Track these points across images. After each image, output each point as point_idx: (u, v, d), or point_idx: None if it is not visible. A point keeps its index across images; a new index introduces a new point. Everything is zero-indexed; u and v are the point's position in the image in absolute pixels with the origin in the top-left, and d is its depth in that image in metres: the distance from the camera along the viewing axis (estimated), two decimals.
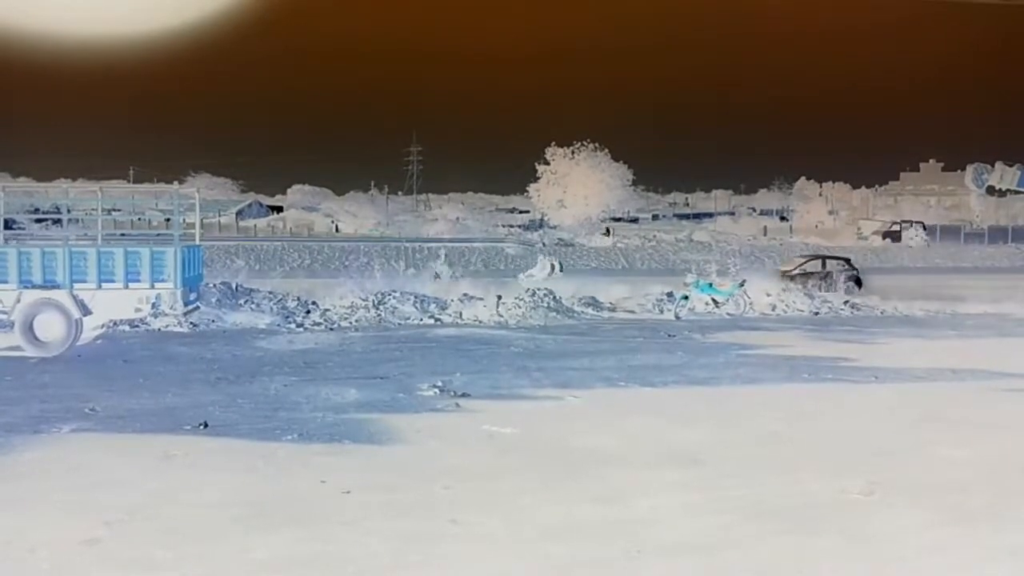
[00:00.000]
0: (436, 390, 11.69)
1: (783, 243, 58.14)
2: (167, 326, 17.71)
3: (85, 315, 15.22)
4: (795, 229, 72.49)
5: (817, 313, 22.66)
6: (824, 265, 29.25)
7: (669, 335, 18.21)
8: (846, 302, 23.92)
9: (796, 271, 29.29)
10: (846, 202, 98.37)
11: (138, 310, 15.73)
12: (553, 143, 61.98)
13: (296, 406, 10.81)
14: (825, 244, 56.70)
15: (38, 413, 10.33)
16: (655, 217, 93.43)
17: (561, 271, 33.11)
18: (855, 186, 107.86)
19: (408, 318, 20.21)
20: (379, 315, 20.25)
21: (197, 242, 18.00)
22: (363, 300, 21.04)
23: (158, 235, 26.05)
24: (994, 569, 6.11)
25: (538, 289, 22.72)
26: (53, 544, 6.23)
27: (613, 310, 22.62)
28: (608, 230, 60.05)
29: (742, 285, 23.04)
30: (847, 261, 30.02)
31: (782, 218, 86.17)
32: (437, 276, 30.94)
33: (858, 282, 28.34)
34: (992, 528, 6.82)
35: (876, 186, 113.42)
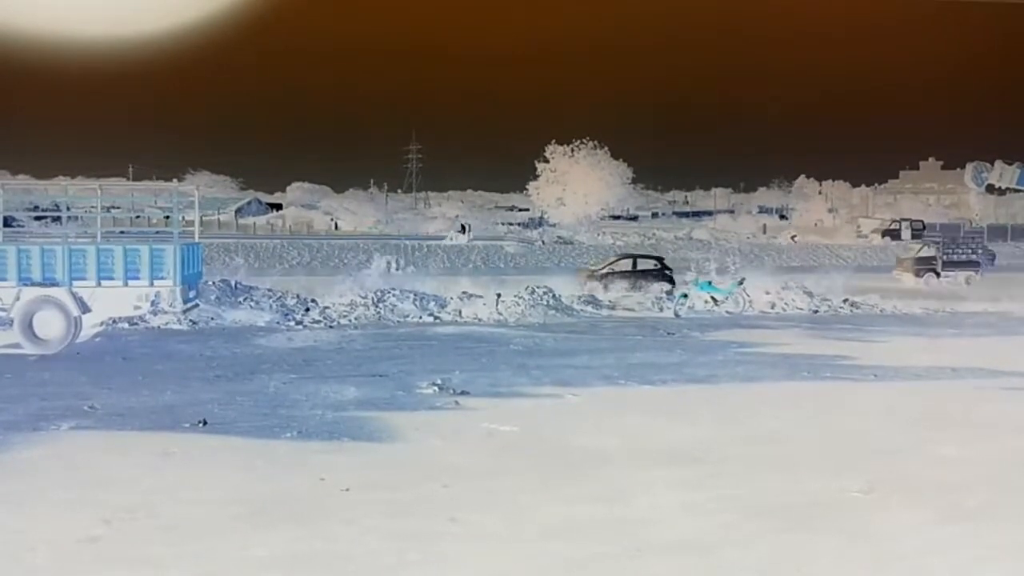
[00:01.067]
0: (435, 388, 11.69)
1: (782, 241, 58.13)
2: (166, 324, 17.71)
3: (84, 313, 15.22)
4: (794, 227, 72.48)
5: (816, 311, 22.66)
6: (635, 265, 28.08)
7: (668, 333, 18.21)
8: (845, 300, 23.88)
9: (605, 270, 28.07)
10: (846, 200, 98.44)
11: (137, 308, 15.74)
12: (553, 141, 62.02)
13: (295, 404, 10.80)
14: (825, 243, 56.76)
15: (37, 411, 10.33)
16: (655, 215, 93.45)
17: (399, 269, 31.55)
18: (855, 184, 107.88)
19: (407, 316, 20.21)
20: (378, 313, 20.24)
21: (196, 240, 18.01)
22: (362, 298, 21.03)
23: (157, 232, 26.04)
24: (993, 568, 6.11)
25: (537, 287, 22.71)
26: (52, 542, 6.23)
27: (612, 308, 22.62)
28: (463, 227, 55.89)
29: (741, 283, 23.04)
30: (660, 260, 28.86)
31: (782, 216, 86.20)
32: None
33: (671, 282, 26.50)
34: (991, 527, 6.82)
35: (876, 184, 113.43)
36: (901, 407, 11.28)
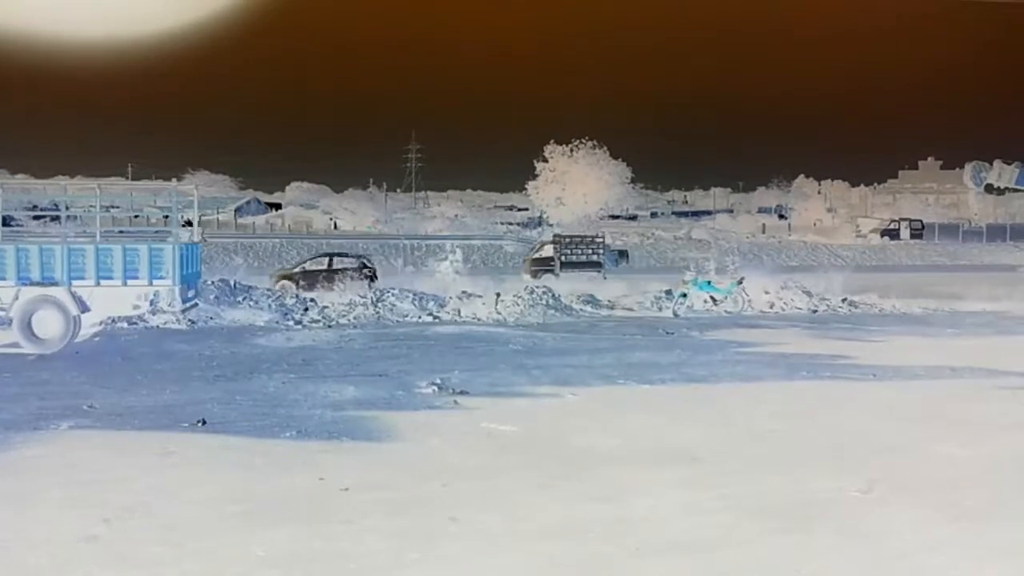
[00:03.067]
0: (435, 388, 11.69)
1: (781, 241, 58.21)
2: (165, 323, 17.71)
3: (83, 312, 15.21)
4: (793, 227, 72.51)
5: (815, 311, 22.69)
6: (331, 263, 28.49)
7: (667, 332, 18.21)
8: (844, 299, 23.88)
9: (297, 270, 28.85)
10: (844, 200, 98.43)
11: (136, 307, 15.73)
12: (552, 141, 61.97)
13: (294, 403, 10.80)
14: (824, 242, 56.80)
15: (36, 410, 10.32)
16: (654, 215, 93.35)
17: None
18: (853, 184, 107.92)
19: (406, 315, 20.22)
20: (377, 312, 20.25)
21: (195, 239, 17.99)
22: (361, 297, 21.05)
23: (156, 232, 26.04)
24: (992, 567, 6.11)
25: (537, 287, 22.73)
26: (52, 541, 6.22)
27: (612, 308, 22.64)
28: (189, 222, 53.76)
29: (740, 283, 23.05)
30: (362, 260, 29.45)
31: (780, 216, 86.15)
32: None
33: (372, 279, 26.79)
34: (991, 526, 6.82)
35: (875, 184, 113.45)
36: (900, 406, 11.27)
